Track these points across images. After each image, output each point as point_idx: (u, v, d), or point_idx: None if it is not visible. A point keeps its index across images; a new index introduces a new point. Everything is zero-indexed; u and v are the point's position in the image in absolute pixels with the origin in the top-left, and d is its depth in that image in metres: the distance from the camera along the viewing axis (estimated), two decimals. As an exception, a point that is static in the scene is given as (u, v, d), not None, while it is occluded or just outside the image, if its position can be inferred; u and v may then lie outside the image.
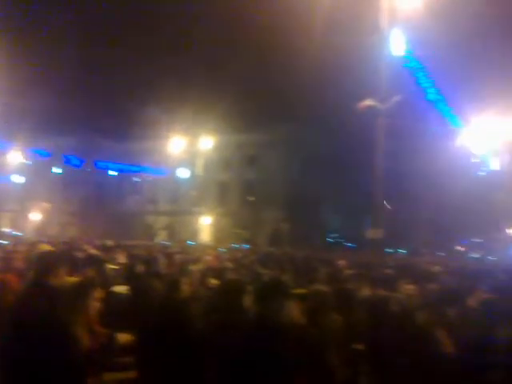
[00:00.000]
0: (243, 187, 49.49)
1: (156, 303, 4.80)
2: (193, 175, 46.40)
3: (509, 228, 43.06)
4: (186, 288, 4.85)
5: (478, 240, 44.65)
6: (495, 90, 32.57)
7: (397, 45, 19.94)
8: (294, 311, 3.49)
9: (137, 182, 53.96)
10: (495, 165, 38.36)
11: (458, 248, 43.98)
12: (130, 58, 56.60)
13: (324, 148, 43.35)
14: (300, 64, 36.56)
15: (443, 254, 35.84)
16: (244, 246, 33.13)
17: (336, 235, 48.21)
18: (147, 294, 5.32)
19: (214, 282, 6.03)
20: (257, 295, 3.53)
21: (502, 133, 32.92)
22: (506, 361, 3.20)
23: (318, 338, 3.65)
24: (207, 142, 41.79)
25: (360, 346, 4.40)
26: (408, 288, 6.15)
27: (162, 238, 44.21)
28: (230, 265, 8.70)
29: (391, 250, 32.33)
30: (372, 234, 16.66)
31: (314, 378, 3.46)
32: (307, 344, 3.46)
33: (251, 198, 48.65)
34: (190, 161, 45.01)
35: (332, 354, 3.70)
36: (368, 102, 17.25)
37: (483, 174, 38.80)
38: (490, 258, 32.44)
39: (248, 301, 3.92)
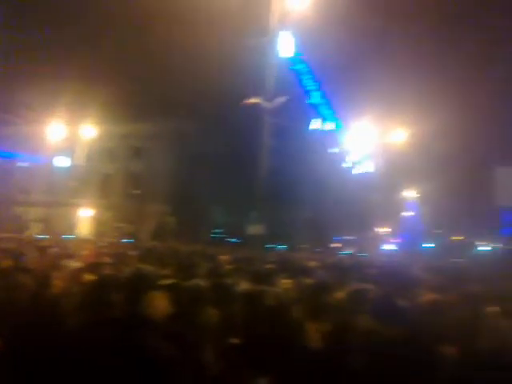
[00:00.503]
0: (128, 180, 48.02)
1: (24, 300, 4.46)
2: (73, 165, 44.00)
3: (379, 227, 46.72)
4: (57, 284, 4.57)
5: (352, 237, 47.84)
6: (373, 95, 35.11)
7: (285, 47, 20.60)
8: (160, 302, 3.45)
9: (7, 169, 49.71)
10: (370, 167, 41.39)
11: (334, 245, 46.71)
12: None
13: (211, 144, 43.58)
14: (189, 60, 36.37)
15: (320, 250, 37.80)
16: (127, 240, 32.16)
17: (221, 231, 48.71)
18: (14, 291, 4.93)
19: (89, 277, 5.76)
20: (124, 288, 3.43)
21: (377, 137, 35.60)
22: (366, 348, 3.39)
23: (190, 331, 3.61)
24: (90, 131, 39.87)
25: (236, 340, 4.43)
26: (285, 282, 6.35)
27: (35, 231, 41.30)
28: (107, 259, 8.36)
29: (272, 246, 33.39)
30: (253, 230, 17.08)
31: (186, 373, 3.41)
32: (178, 337, 3.41)
33: (136, 192, 47.39)
34: (70, 149, 42.64)
35: (206, 348, 3.67)
36: (254, 100, 17.64)
37: (359, 175, 41.59)
38: (361, 254, 34.83)
39: (121, 296, 3.79)
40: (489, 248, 64.13)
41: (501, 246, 60.96)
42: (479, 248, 64.90)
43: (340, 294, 4.90)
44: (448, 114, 46.24)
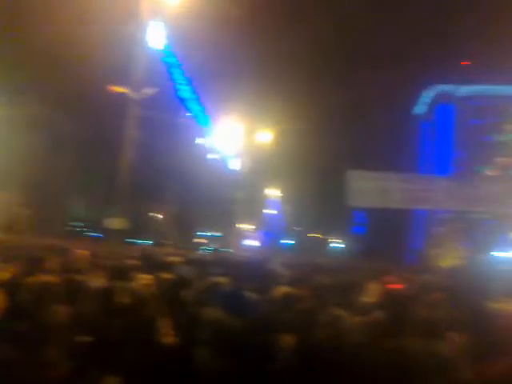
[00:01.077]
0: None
1: None
2: None
3: (243, 223, 47.93)
4: None
5: (217, 233, 48.61)
6: (241, 95, 35.85)
7: (156, 37, 20.18)
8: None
9: None
10: (236, 165, 42.29)
11: (198, 240, 47.03)
12: None
13: (73, 131, 41.13)
14: (52, 44, 33.87)
15: (184, 245, 37.80)
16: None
17: (81, 224, 46.38)
18: None
19: None
20: None
21: (243, 135, 36.49)
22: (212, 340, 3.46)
23: (32, 331, 3.36)
24: None
25: (86, 338, 4.22)
26: (144, 278, 6.21)
27: None
28: None
29: (136, 241, 32.57)
30: (114, 223, 16.45)
31: (31, 372, 3.16)
32: (18, 338, 3.15)
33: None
34: None
35: (50, 348, 3.44)
36: (120, 89, 17.02)
37: (225, 172, 42.25)
38: (224, 249, 35.51)
39: None
40: (341, 245, 69.94)
41: (351, 242, 66.68)
42: (333, 245, 70.47)
43: (196, 289, 4.93)
44: (310, 119, 49.20)
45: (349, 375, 3.28)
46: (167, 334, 3.86)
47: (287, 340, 3.43)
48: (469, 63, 61.87)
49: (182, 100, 33.88)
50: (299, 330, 3.55)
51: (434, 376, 3.51)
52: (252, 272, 6.76)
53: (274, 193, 54.43)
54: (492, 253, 40.38)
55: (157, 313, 4.12)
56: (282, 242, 59.21)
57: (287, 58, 54.27)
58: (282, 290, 4.61)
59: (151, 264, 8.04)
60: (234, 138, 37.71)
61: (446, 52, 62.70)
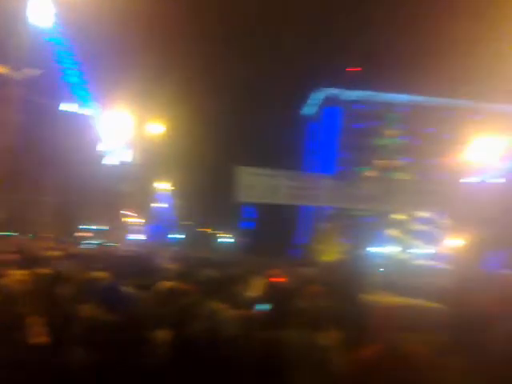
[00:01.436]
0: None
1: None
2: None
3: (130, 217, 46.63)
4: None
5: (102, 227, 46.66)
6: (134, 85, 34.68)
7: (41, 14, 18.84)
8: None
9: None
10: (125, 156, 40.91)
11: (82, 234, 44.85)
12: None
13: None
14: None
15: (65, 239, 35.79)
16: None
17: None
18: None
19: None
20: None
21: (135, 127, 35.36)
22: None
23: None
24: None
25: None
26: (17, 273, 5.78)
27: None
28: None
29: (12, 234, 30.18)
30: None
31: None
32: None
33: None
34: None
35: None
36: (-1, 68, 15.66)
37: (112, 163, 40.68)
38: (110, 243, 34.21)
39: None
40: (230, 239, 70.92)
41: (240, 237, 67.75)
42: (223, 239, 71.22)
43: (74, 285, 4.69)
44: (201, 113, 49.11)
45: (225, 368, 3.32)
46: (39, 333, 3.62)
47: (163, 335, 3.39)
48: (355, 69, 65.91)
49: (68, 85, 31.93)
50: (177, 324, 3.52)
51: (312, 366, 3.66)
52: (135, 267, 6.58)
53: (164, 186, 53.62)
54: (371, 248, 43.41)
55: (28, 311, 3.85)
56: (170, 236, 58.55)
57: (179, 51, 53.67)
58: (165, 284, 4.53)
59: (27, 259, 7.55)
60: (124, 129, 36.44)
61: (335, 57, 66.12)
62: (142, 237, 46.24)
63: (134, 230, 46.57)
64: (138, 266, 6.54)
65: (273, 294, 6.39)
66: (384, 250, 42.77)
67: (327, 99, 67.17)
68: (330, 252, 41.37)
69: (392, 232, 42.33)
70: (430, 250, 42.90)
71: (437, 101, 64.51)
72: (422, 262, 40.65)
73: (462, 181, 29.63)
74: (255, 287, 7.15)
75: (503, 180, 32.37)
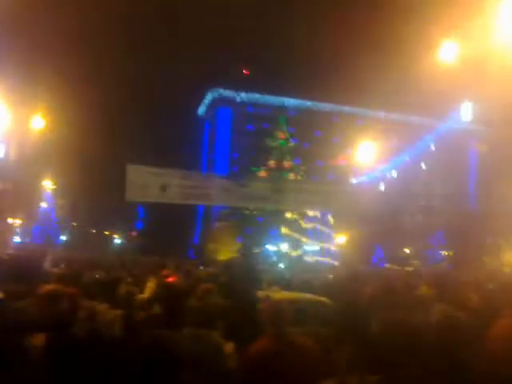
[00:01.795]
0: None
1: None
2: None
3: (11, 217, 43.15)
4: None
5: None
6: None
7: None
8: None
9: None
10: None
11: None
12: None
13: None
14: None
15: None
16: None
17: None
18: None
19: None
20: None
21: (11, 121, 32.72)
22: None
23: None
24: None
25: None
26: None
27: None
28: None
29: None
30: None
31: None
32: None
33: None
34: None
35: None
36: None
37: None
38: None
39: None
40: (121, 240, 68.61)
41: (132, 238, 65.73)
42: (114, 240, 68.64)
43: None
44: (89, 108, 46.93)
45: (107, 369, 3.19)
46: None
47: (39, 339, 3.17)
48: (246, 72, 67.17)
49: None
50: (57, 327, 3.30)
51: (203, 364, 3.63)
52: (15, 270, 6.07)
53: (48, 185, 50.35)
54: (263, 246, 44.36)
55: None
56: (55, 237, 55.24)
57: (65, 43, 50.91)
58: (46, 288, 4.22)
59: None
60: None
61: (228, 59, 66.86)
62: (25, 239, 43.13)
63: (17, 232, 43.25)
64: (17, 270, 6.04)
65: (165, 293, 6.28)
66: (276, 248, 43.95)
67: (220, 100, 67.69)
68: (224, 251, 41.68)
69: (283, 230, 43.62)
70: (319, 246, 44.91)
71: (324, 106, 67.89)
72: (311, 258, 42.50)
73: (347, 181, 31.40)
74: (147, 288, 6.97)
75: (383, 181, 34.86)
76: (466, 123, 42.85)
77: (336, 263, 38.06)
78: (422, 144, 41.79)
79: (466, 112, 29.23)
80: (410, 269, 38.53)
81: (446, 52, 20.40)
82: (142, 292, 6.62)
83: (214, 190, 10.58)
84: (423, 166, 50.93)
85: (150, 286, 6.99)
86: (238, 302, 6.13)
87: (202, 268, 14.07)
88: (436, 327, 3.40)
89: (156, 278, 7.62)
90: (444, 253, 48.93)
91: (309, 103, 67.70)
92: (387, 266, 41.32)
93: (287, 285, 11.50)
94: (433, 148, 47.15)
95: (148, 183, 10.06)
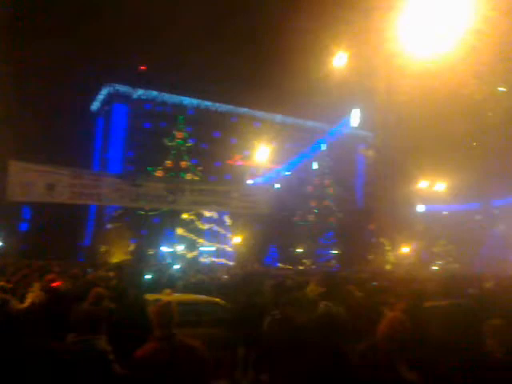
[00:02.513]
0: None
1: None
2: None
3: None
4: None
5: None
6: None
7: None
8: None
9: None
10: None
11: None
12: None
13: None
14: None
15: None
16: None
17: None
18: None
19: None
20: None
21: None
22: None
23: None
24: None
25: None
26: None
27: None
28: None
29: None
30: None
31: None
32: None
33: None
34: None
35: None
36: None
37: None
38: None
39: None
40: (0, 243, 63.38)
41: (13, 240, 61.03)
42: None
43: None
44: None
45: None
46: None
47: None
48: (143, 68, 65.46)
49: None
50: None
51: (89, 370, 3.48)
52: None
53: None
54: (159, 248, 43.57)
55: None
56: None
57: None
58: None
59: None
60: None
61: (127, 54, 64.70)
62: None
63: None
64: None
65: (48, 299, 5.90)
66: (172, 249, 43.42)
67: (115, 96, 65.25)
68: (117, 253, 40.30)
69: (179, 231, 43.20)
70: (216, 247, 45.10)
71: (222, 107, 68.30)
72: (207, 259, 42.55)
73: (244, 182, 31.84)
74: (29, 294, 6.50)
75: (278, 182, 35.84)
76: (355, 128, 45.50)
77: (231, 264, 38.46)
78: (315, 147, 43.66)
79: (355, 118, 31.08)
80: (301, 268, 40.03)
81: (339, 61, 21.52)
82: (23, 299, 6.18)
83: (105, 190, 10.13)
84: (315, 167, 53.30)
85: (33, 292, 6.53)
86: (127, 305, 5.94)
87: (90, 271, 13.46)
88: (317, 322, 3.56)
89: (40, 283, 7.13)
90: (333, 252, 51.46)
91: (207, 103, 67.68)
92: (280, 265, 42.56)
93: (181, 287, 11.39)
94: (325, 151, 49.50)
95: (32, 181, 9.36)
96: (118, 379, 3.64)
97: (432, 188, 48.91)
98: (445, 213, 53.58)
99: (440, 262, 50.94)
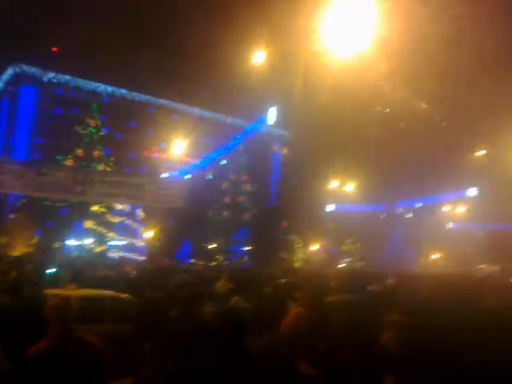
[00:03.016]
0: None
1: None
2: None
3: None
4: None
5: None
6: None
7: None
8: None
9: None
10: None
11: None
12: None
13: None
14: None
15: None
16: None
17: None
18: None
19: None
20: None
21: None
22: None
23: None
24: None
25: None
26: None
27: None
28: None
29: None
30: None
31: None
32: None
33: None
34: None
35: None
36: None
37: None
38: None
39: None
40: None
41: None
42: None
43: None
44: None
45: None
46: None
47: None
48: (57, 49, 61.92)
49: None
50: None
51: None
52: None
53: None
54: (66, 241, 41.59)
55: None
56: None
57: None
58: None
59: None
60: None
61: (39, 34, 60.56)
62: None
63: None
64: None
65: None
66: (80, 243, 41.73)
67: (23, 77, 61.19)
68: (18, 245, 37.95)
69: (88, 224, 41.57)
70: (126, 242, 43.94)
71: (140, 96, 66.45)
72: (116, 253, 41.30)
73: (159, 175, 31.28)
74: None
75: (193, 177, 35.62)
76: (271, 126, 46.29)
77: (142, 258, 37.67)
78: (232, 143, 43.90)
79: (272, 116, 31.63)
80: (213, 263, 40.16)
81: (258, 58, 21.69)
82: None
83: (6, 177, 9.49)
84: (232, 163, 53.59)
85: None
86: (25, 300, 5.63)
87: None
88: (220, 317, 3.59)
89: None
90: (246, 248, 52.07)
91: (123, 91, 65.50)
92: (192, 261, 42.36)
93: (87, 281, 10.95)
94: (241, 147, 49.92)
95: None
96: (6, 377, 3.45)
97: (342, 188, 51.02)
98: (353, 212, 56.09)
99: (348, 260, 53.33)
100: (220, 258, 49.06)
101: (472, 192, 46.44)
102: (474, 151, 42.10)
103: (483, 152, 42.52)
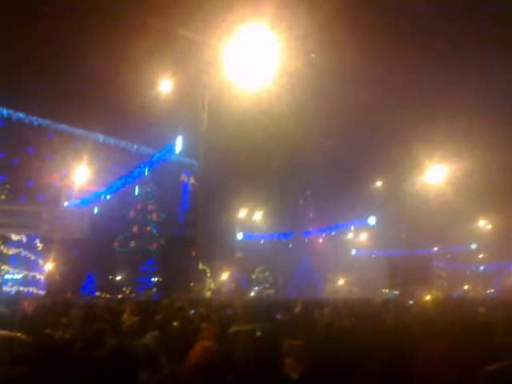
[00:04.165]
0: None
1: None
2: None
3: None
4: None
5: None
6: None
7: None
8: None
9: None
10: None
11: None
12: None
13: None
14: None
15: None
16: None
17: None
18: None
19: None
20: None
21: None
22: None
23: None
24: None
25: None
26: None
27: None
28: None
29: None
30: None
31: None
32: None
33: None
34: None
35: None
36: None
37: None
38: None
39: None
40: None
41: None
42: None
43: None
44: None
45: None
46: None
47: None
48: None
49: None
50: None
51: None
52: None
53: None
54: None
55: None
56: None
57: None
58: None
59: None
60: None
61: None
62: None
63: None
64: None
65: None
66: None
67: None
68: None
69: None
70: (23, 275, 41.08)
71: (38, 121, 63.15)
72: (12, 288, 38.34)
73: (59, 203, 29.74)
74: None
75: (97, 205, 34.30)
76: (179, 155, 46.01)
77: (41, 293, 35.30)
78: (138, 171, 42.99)
79: (179, 145, 31.50)
80: (120, 296, 38.62)
81: (165, 86, 21.64)
82: None
83: None
84: (138, 192, 52.36)
85: None
86: None
87: None
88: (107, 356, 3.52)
89: None
90: (154, 279, 50.72)
91: (21, 115, 61.91)
92: (97, 294, 40.46)
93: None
94: (148, 176, 49.06)
95: None
96: None
97: (251, 217, 51.72)
98: (262, 241, 56.90)
99: (257, 288, 53.73)
100: (127, 290, 47.30)
101: (372, 220, 49.07)
102: (372, 182, 44.90)
103: (379, 183, 45.47)
